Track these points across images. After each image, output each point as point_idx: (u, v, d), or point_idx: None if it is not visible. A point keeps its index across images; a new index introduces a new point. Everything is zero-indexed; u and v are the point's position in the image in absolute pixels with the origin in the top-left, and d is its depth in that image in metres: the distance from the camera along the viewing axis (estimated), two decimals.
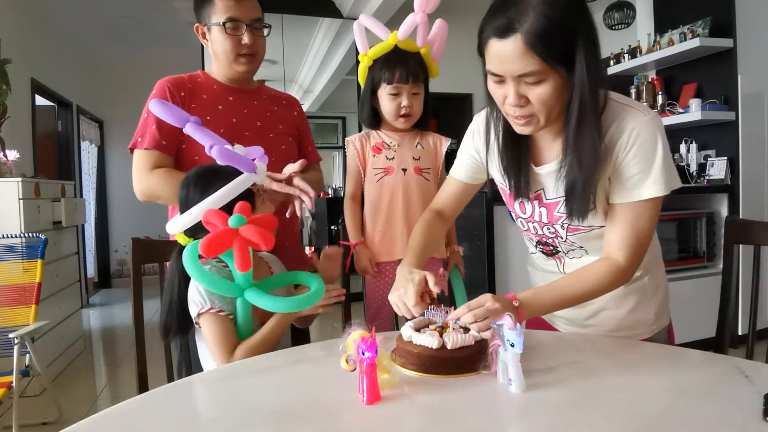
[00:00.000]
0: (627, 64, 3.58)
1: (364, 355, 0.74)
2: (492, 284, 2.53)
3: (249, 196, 1.11)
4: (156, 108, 1.09)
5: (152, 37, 5.41)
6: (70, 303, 3.33)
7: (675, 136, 3.33)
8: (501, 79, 0.89)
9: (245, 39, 1.37)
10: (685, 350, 0.98)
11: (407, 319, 0.97)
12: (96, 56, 5.71)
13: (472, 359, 0.84)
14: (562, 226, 1.06)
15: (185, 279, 1.09)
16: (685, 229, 3.01)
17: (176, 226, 1.06)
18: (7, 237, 2.49)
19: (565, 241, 1.08)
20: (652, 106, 3.40)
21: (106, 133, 5.97)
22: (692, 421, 0.68)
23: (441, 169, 1.58)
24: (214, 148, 1.05)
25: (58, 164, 4.84)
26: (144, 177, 1.33)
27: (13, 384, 1.99)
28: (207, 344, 1.08)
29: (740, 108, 3.06)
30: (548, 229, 1.08)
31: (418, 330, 0.92)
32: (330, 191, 5.44)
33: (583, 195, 0.94)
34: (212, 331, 1.06)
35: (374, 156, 1.54)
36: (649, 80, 3.53)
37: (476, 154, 1.15)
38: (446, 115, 4.80)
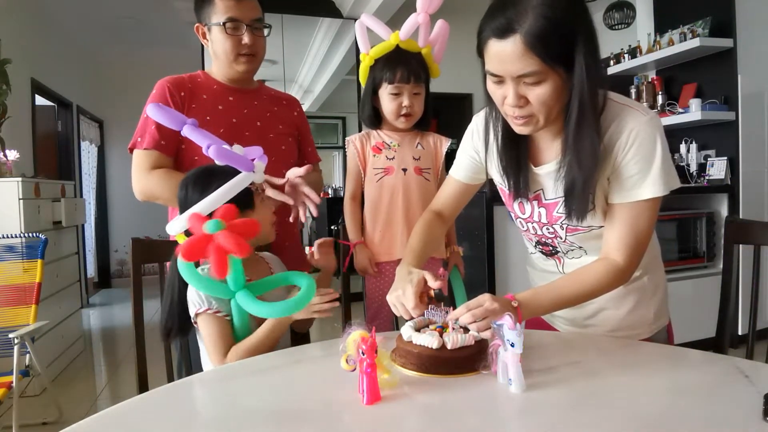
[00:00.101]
0: (627, 64, 3.58)
1: (363, 355, 0.74)
2: (492, 284, 2.53)
3: (248, 195, 1.11)
4: (153, 112, 1.09)
5: (152, 37, 5.41)
6: (70, 303, 3.33)
7: (675, 136, 3.33)
8: (500, 80, 0.89)
9: (245, 39, 1.37)
10: (685, 350, 0.98)
11: (407, 319, 0.97)
12: (96, 56, 5.71)
13: (472, 359, 0.85)
14: (561, 227, 1.06)
15: (185, 280, 1.09)
16: (685, 229, 3.01)
17: (176, 226, 1.06)
18: (7, 237, 2.49)
19: (564, 241, 1.08)
20: (652, 106, 3.40)
21: (106, 133, 5.97)
22: (692, 421, 0.68)
23: (441, 169, 1.58)
24: (212, 148, 1.05)
25: (58, 164, 4.84)
26: (143, 177, 1.33)
27: (13, 384, 1.99)
28: (204, 344, 1.08)
29: (740, 108, 3.06)
30: (547, 229, 1.08)
31: (418, 330, 0.92)
32: (330, 191, 5.44)
33: (582, 195, 0.94)
34: (208, 331, 1.06)
35: (374, 156, 1.54)
36: (649, 80, 3.53)
37: (475, 155, 1.15)
38: (446, 115, 4.80)
